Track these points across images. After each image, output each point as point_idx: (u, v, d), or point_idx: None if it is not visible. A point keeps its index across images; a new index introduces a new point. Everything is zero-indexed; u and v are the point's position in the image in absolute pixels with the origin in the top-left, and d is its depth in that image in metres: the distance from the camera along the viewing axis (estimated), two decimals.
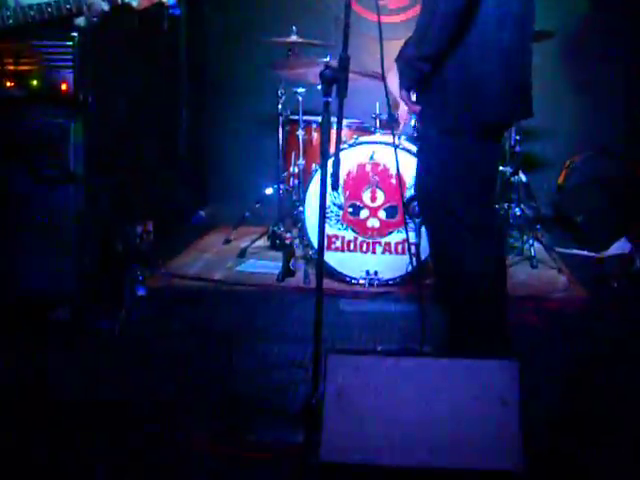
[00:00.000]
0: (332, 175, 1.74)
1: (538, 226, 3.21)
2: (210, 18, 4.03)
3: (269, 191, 3.41)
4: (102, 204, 2.56)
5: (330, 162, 1.55)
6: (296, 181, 3.19)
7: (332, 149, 2.37)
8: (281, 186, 3.31)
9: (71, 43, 2.19)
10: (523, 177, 3.20)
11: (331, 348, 1.56)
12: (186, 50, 3.96)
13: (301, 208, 2.86)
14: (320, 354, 1.44)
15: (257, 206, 3.40)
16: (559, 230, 3.42)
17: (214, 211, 4.01)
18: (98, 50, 2.43)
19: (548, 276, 2.92)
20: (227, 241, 3.43)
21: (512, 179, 3.13)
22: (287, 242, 2.93)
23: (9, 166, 2.29)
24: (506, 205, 3.11)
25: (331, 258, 2.70)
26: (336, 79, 1.52)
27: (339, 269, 2.73)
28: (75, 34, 2.19)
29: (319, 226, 1.51)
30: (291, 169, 3.24)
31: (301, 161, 3.13)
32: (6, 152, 2.29)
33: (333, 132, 2.67)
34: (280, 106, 3.24)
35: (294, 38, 3.10)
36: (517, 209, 3.11)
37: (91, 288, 2.29)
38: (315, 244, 2.65)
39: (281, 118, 3.25)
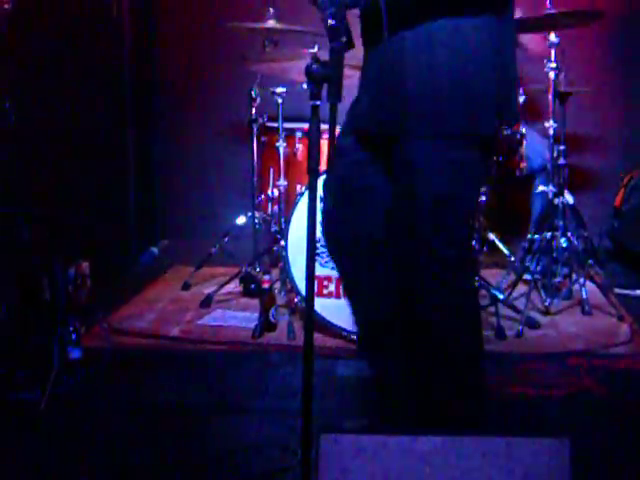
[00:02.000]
0: (323, 200, 1.81)
1: (591, 261, 3.28)
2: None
3: (241, 220, 3.47)
4: (21, 240, 2.61)
5: (320, 182, 1.61)
6: (275, 207, 3.26)
7: (323, 166, 2.46)
8: (256, 214, 3.38)
9: None
10: (570, 198, 3.30)
11: (325, 425, 1.57)
12: (131, 43, 4.05)
13: (283, 242, 2.92)
14: (311, 433, 1.45)
15: (225, 240, 3.45)
16: (618, 266, 3.49)
17: (169, 247, 4.06)
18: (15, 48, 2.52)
19: (605, 325, 2.97)
20: (186, 286, 3.47)
21: (556, 201, 3.21)
22: (265, 286, 2.97)
23: None
24: (549, 234, 3.18)
25: (323, 306, 2.73)
26: (327, 77, 1.57)
27: (333, 320, 2.76)
28: None
29: (307, 266, 1.55)
30: (269, 192, 3.31)
31: (282, 181, 3.20)
32: None
33: (324, 144, 2.82)
34: (254, 111, 3.32)
35: (271, 23, 3.19)
36: (563, 239, 3.19)
37: (8, 348, 2.31)
38: (302, 289, 2.69)
39: (255, 126, 3.33)
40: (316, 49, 2.91)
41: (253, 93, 3.30)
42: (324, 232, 1.96)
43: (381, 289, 1.97)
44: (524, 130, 3.12)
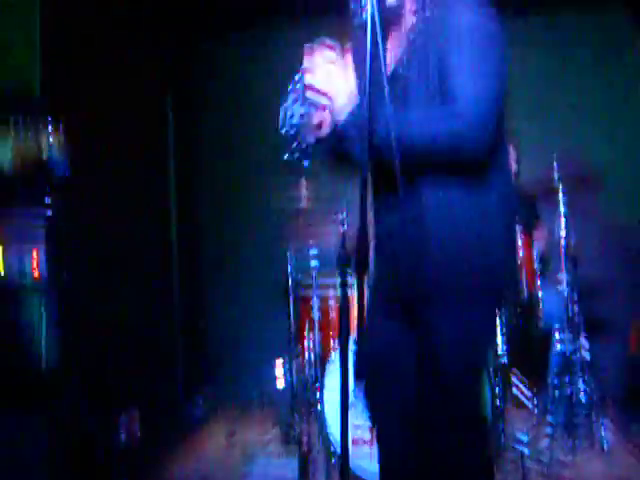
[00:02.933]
0: (355, 365, 1.98)
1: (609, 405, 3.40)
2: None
3: (279, 370, 3.69)
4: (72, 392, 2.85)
5: (351, 349, 1.72)
6: (312, 355, 3.48)
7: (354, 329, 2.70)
8: (294, 364, 3.60)
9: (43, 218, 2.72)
10: (586, 354, 3.46)
11: None
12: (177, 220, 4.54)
13: (318, 395, 3.12)
14: None
15: (264, 389, 3.67)
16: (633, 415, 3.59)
17: (213, 395, 4.28)
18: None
19: (626, 467, 3.04)
20: (230, 434, 3.65)
21: (573, 358, 3.41)
22: (302, 438, 3.13)
23: None
24: (568, 390, 3.35)
25: (363, 462, 2.78)
26: (355, 261, 1.74)
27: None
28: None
29: (341, 433, 1.69)
30: (305, 342, 3.55)
31: (316, 334, 3.45)
32: None
33: (354, 307, 3.08)
34: (290, 269, 3.64)
35: (304, 203, 3.58)
36: (582, 394, 3.33)
37: None
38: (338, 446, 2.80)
39: (291, 284, 3.64)
40: (344, 215, 3.32)
41: (289, 255, 3.66)
42: (364, 402, 2.07)
43: (409, 450, 2.05)
44: (540, 290, 3.44)
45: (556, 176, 3.48)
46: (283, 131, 1.95)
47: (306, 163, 1.96)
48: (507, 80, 1.87)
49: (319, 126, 1.97)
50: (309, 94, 1.93)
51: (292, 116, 1.97)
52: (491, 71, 1.83)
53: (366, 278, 1.71)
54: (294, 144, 1.98)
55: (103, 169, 3.44)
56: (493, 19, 1.85)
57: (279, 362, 3.74)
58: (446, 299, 1.92)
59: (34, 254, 2.75)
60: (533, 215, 3.92)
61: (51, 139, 2.80)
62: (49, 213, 2.79)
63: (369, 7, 1.69)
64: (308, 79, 1.93)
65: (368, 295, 2.04)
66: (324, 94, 1.94)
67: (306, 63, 1.93)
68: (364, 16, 1.74)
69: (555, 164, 3.49)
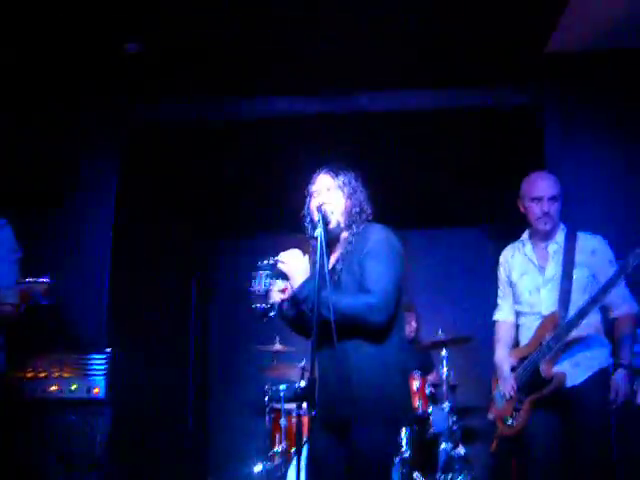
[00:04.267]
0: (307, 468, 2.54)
1: None
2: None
3: (258, 468, 5.12)
4: None
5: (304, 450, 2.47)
6: (280, 460, 4.91)
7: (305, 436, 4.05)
8: (267, 464, 5.04)
9: (104, 357, 3.85)
10: (462, 450, 4.91)
11: None
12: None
13: None
14: None
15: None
16: None
17: None
18: (125, 362, 4.16)
19: None
20: None
21: (453, 453, 4.87)
22: None
23: (44, 456, 3.65)
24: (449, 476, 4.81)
25: None
26: (306, 397, 2.37)
27: None
28: (109, 350, 3.93)
29: None
30: (276, 448, 5.00)
31: (283, 443, 4.90)
32: (41, 443, 3.69)
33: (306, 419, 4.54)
34: (267, 398, 5.17)
35: (278, 347, 5.20)
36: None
37: None
38: None
39: (267, 408, 5.16)
40: (303, 363, 4.87)
41: (266, 388, 5.21)
42: None
43: None
44: (431, 409, 4.88)
45: (442, 336, 5.09)
46: (254, 289, 2.55)
47: (272, 314, 2.56)
48: (402, 275, 2.53)
49: (283, 291, 2.58)
50: (280, 266, 2.57)
51: (261, 282, 2.54)
52: (391, 271, 2.49)
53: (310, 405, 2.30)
54: (262, 300, 2.54)
55: (143, 330, 4.99)
56: (394, 237, 2.60)
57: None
58: (362, 422, 2.44)
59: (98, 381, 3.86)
60: (428, 362, 5.46)
61: None
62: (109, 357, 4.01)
63: (318, 232, 2.46)
64: (281, 257, 2.57)
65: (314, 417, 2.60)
66: (289, 269, 2.55)
67: (282, 254, 2.61)
68: (315, 233, 2.50)
69: (440, 329, 5.14)
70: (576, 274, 3.22)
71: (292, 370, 5.02)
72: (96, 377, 3.89)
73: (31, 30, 3.87)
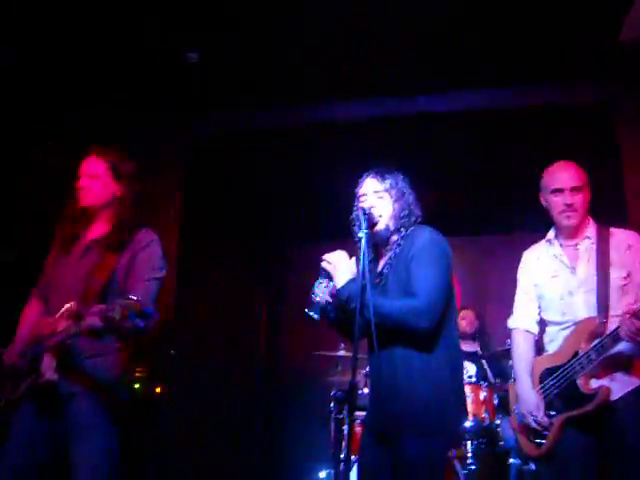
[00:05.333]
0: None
1: None
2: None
3: (322, 474, 5.02)
4: None
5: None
6: (343, 467, 4.79)
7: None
8: (331, 472, 4.92)
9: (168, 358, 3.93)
10: (533, 466, 4.61)
11: None
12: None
13: None
14: None
15: None
16: None
17: None
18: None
19: None
20: None
21: (523, 468, 4.59)
22: None
23: None
24: None
25: None
26: (347, 402, 2.79)
27: None
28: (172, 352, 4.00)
29: None
30: (341, 455, 4.88)
31: (345, 451, 4.78)
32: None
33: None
34: (332, 405, 5.06)
35: (342, 352, 5.08)
36: None
37: None
38: None
39: (332, 414, 5.04)
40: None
41: (331, 394, 5.09)
42: None
43: None
44: (499, 421, 4.56)
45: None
46: (313, 297, 2.52)
47: (314, 315, 2.46)
48: (450, 276, 2.43)
49: (332, 295, 2.51)
50: (324, 265, 2.52)
51: (317, 292, 2.52)
52: (438, 275, 2.39)
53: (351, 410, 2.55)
54: (314, 307, 2.49)
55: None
56: (442, 240, 2.51)
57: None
58: (411, 434, 2.32)
59: None
60: (502, 371, 5.09)
61: None
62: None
63: (362, 236, 2.38)
64: (326, 257, 2.53)
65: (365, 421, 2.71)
66: (333, 269, 2.49)
67: (326, 255, 2.55)
68: (359, 236, 2.44)
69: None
70: (612, 274, 2.84)
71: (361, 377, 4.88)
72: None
73: (96, 48, 3.97)
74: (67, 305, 2.48)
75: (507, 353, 4.75)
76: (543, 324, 3.10)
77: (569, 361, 2.86)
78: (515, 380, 3.11)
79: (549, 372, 2.94)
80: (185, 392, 4.35)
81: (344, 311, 2.45)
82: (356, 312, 2.25)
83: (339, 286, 2.46)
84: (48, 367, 2.56)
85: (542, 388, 2.95)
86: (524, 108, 4.50)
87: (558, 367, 2.90)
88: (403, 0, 3.69)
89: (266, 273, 6.37)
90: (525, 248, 3.22)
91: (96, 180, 2.84)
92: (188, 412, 4.46)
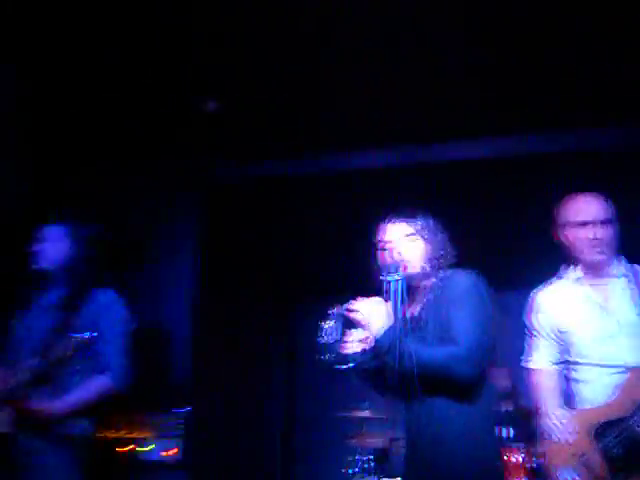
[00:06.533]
0: None
1: None
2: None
3: None
4: None
5: None
6: None
7: None
8: None
9: (183, 418, 3.62)
10: None
11: None
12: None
13: None
14: None
15: None
16: None
17: None
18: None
19: None
20: None
21: None
22: None
23: None
24: None
25: None
26: (381, 459, 2.64)
27: None
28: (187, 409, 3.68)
29: None
30: None
31: None
32: None
33: None
34: (350, 470, 4.69)
35: (366, 413, 4.75)
36: None
37: None
38: None
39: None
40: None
41: (352, 458, 4.75)
42: None
43: None
44: None
45: None
46: (323, 340, 2.37)
47: (351, 366, 2.31)
48: (492, 326, 2.30)
49: (364, 341, 2.35)
50: (355, 315, 2.35)
51: (330, 333, 2.37)
52: (479, 321, 2.27)
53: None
54: (332, 351, 2.35)
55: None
56: (482, 285, 2.37)
57: None
58: None
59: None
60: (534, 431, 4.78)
61: None
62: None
63: (393, 284, 2.27)
64: (355, 306, 2.36)
65: None
66: (366, 317, 2.32)
67: (356, 302, 2.38)
68: (390, 279, 2.29)
69: None
70: None
71: (381, 439, 4.54)
72: (173, 437, 3.65)
73: (115, 91, 3.88)
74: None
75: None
76: (569, 368, 2.76)
77: (633, 414, 2.50)
78: (552, 433, 2.67)
79: (605, 426, 2.56)
80: (203, 453, 4.05)
81: (380, 360, 2.28)
82: (395, 362, 2.13)
83: (377, 335, 2.28)
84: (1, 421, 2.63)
85: (601, 446, 2.55)
86: (544, 156, 4.32)
87: (617, 421, 2.53)
88: (417, 49, 3.57)
89: (283, 328, 6.09)
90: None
91: (51, 244, 2.98)
92: (208, 474, 4.17)
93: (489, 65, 3.72)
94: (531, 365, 2.86)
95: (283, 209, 4.90)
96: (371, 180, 4.52)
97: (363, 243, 2.54)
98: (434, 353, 2.25)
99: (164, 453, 3.59)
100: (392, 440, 4.42)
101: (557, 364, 2.81)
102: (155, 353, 4.06)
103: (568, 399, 2.75)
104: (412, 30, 3.46)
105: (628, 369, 2.57)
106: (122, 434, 3.63)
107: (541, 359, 2.85)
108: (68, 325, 2.77)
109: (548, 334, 2.82)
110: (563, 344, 2.77)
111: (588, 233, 2.68)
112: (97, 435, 3.31)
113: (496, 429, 2.62)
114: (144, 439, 3.62)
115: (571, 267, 2.82)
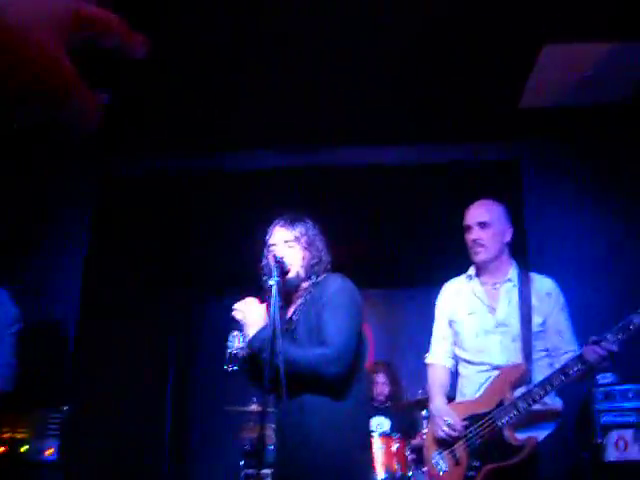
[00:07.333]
0: None
1: None
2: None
3: None
4: None
5: None
6: None
7: None
8: None
9: (60, 415, 3.40)
10: None
11: None
12: None
13: None
14: None
15: None
16: None
17: None
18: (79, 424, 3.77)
19: None
20: None
21: None
22: None
23: None
24: None
25: None
26: (254, 455, 2.58)
27: None
28: (66, 408, 3.47)
29: None
30: None
31: None
32: None
33: None
34: (242, 462, 4.76)
35: (253, 407, 4.82)
36: None
37: None
38: None
39: (242, 473, 4.74)
40: None
41: (242, 451, 4.82)
42: None
43: None
44: (411, 472, 4.43)
45: (422, 395, 4.70)
46: (229, 351, 2.40)
47: (232, 368, 2.38)
48: (360, 324, 2.37)
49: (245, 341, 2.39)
50: (235, 314, 2.40)
51: (230, 345, 2.40)
52: (348, 323, 2.32)
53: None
54: (230, 360, 2.37)
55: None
56: (352, 287, 2.44)
57: None
58: None
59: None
60: (409, 424, 4.93)
61: None
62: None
63: (273, 284, 2.31)
64: (236, 306, 2.41)
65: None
66: (243, 318, 2.38)
67: (237, 304, 2.44)
68: (269, 282, 2.33)
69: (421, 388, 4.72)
70: (533, 320, 2.77)
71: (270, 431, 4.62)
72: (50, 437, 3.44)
73: None
74: None
75: (418, 403, 4.75)
76: (458, 364, 3.00)
77: (493, 409, 2.72)
78: (434, 420, 2.91)
79: (471, 419, 2.78)
80: (84, 453, 3.93)
81: (256, 361, 2.33)
82: (266, 362, 2.15)
83: (250, 335, 2.36)
84: None
85: (465, 436, 2.79)
86: (431, 165, 4.57)
87: (481, 415, 2.76)
88: (320, 54, 3.68)
89: (177, 324, 6.06)
90: (429, 301, 3.18)
91: None
92: (88, 476, 4.04)
93: (382, 78, 3.88)
94: (427, 360, 3.09)
95: (174, 204, 4.86)
96: (263, 180, 4.58)
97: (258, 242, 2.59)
98: (304, 354, 2.30)
99: (45, 452, 3.43)
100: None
101: (452, 358, 3.02)
102: (38, 350, 3.90)
103: (455, 393, 2.97)
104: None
105: (497, 368, 2.78)
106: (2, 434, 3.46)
107: (437, 353, 3.05)
108: None
109: (443, 323, 3.04)
110: (454, 334, 2.98)
111: (470, 235, 2.89)
112: None
113: (366, 424, 2.54)
114: (21, 439, 3.44)
115: (472, 266, 3.03)
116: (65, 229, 4.27)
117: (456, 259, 5.28)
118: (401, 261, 5.57)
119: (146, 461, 5.19)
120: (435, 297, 3.16)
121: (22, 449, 3.41)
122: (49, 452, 3.43)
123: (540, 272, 3.03)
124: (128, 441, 4.71)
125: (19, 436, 3.43)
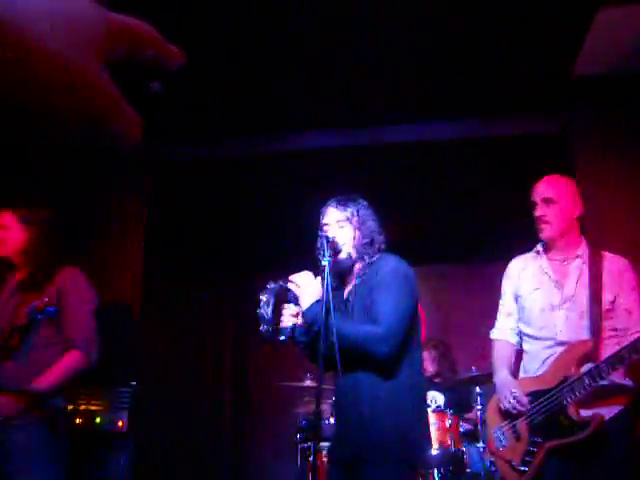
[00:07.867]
0: None
1: None
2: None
3: None
4: None
5: None
6: None
7: None
8: None
9: (129, 390, 3.68)
10: None
11: None
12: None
13: None
14: None
15: None
16: None
17: None
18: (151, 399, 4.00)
19: None
20: None
21: None
22: None
23: None
24: None
25: None
26: (311, 430, 2.69)
27: None
28: (134, 384, 3.77)
29: None
30: None
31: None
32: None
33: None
34: (298, 436, 4.88)
35: (308, 383, 4.92)
36: None
37: None
38: None
39: (299, 445, 4.86)
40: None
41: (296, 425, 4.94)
42: None
43: None
44: (465, 448, 4.45)
45: (475, 372, 4.71)
46: (262, 312, 2.37)
47: (283, 338, 2.39)
48: (414, 306, 2.38)
49: (296, 315, 2.44)
50: (291, 287, 2.42)
51: (269, 305, 2.37)
52: (400, 303, 2.32)
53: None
54: (269, 323, 2.36)
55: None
56: (407, 267, 2.44)
57: None
58: (374, 462, 2.25)
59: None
60: (463, 399, 4.97)
61: None
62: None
63: (325, 264, 2.33)
64: (292, 278, 2.41)
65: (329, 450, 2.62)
66: (299, 291, 2.39)
67: (293, 276, 2.44)
68: (322, 263, 2.35)
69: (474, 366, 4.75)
70: (604, 298, 2.72)
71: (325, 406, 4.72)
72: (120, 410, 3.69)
73: None
74: None
75: (472, 380, 4.76)
76: (522, 339, 2.98)
77: (557, 386, 2.69)
78: (499, 395, 2.90)
79: (534, 395, 2.77)
80: (151, 425, 4.13)
81: (310, 334, 2.35)
82: (320, 335, 2.16)
83: (304, 308, 2.36)
84: None
85: (527, 412, 2.78)
86: (483, 139, 4.49)
87: (545, 391, 2.74)
88: (373, 35, 3.65)
89: (232, 303, 6.20)
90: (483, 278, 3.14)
91: (6, 231, 2.98)
92: (156, 445, 4.24)
93: (425, 55, 3.83)
94: (492, 336, 3.09)
95: (224, 187, 4.94)
96: (315, 161, 4.60)
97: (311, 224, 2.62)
98: (355, 329, 2.30)
99: (117, 424, 3.64)
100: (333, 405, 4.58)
101: (517, 335, 3.00)
102: (108, 331, 4.08)
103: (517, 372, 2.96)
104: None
105: (562, 343, 2.75)
106: (79, 406, 3.70)
107: (502, 329, 3.04)
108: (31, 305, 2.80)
109: (511, 299, 3.01)
110: (519, 310, 2.96)
111: (536, 212, 2.86)
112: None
113: (422, 401, 2.53)
114: (96, 411, 3.68)
115: (540, 242, 2.99)
116: (124, 215, 4.40)
117: (510, 236, 5.22)
118: (453, 238, 5.53)
119: (207, 433, 5.39)
120: (489, 274, 3.12)
121: (97, 420, 3.63)
122: (120, 424, 3.64)
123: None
124: (190, 414, 4.89)
125: (94, 408, 3.65)
